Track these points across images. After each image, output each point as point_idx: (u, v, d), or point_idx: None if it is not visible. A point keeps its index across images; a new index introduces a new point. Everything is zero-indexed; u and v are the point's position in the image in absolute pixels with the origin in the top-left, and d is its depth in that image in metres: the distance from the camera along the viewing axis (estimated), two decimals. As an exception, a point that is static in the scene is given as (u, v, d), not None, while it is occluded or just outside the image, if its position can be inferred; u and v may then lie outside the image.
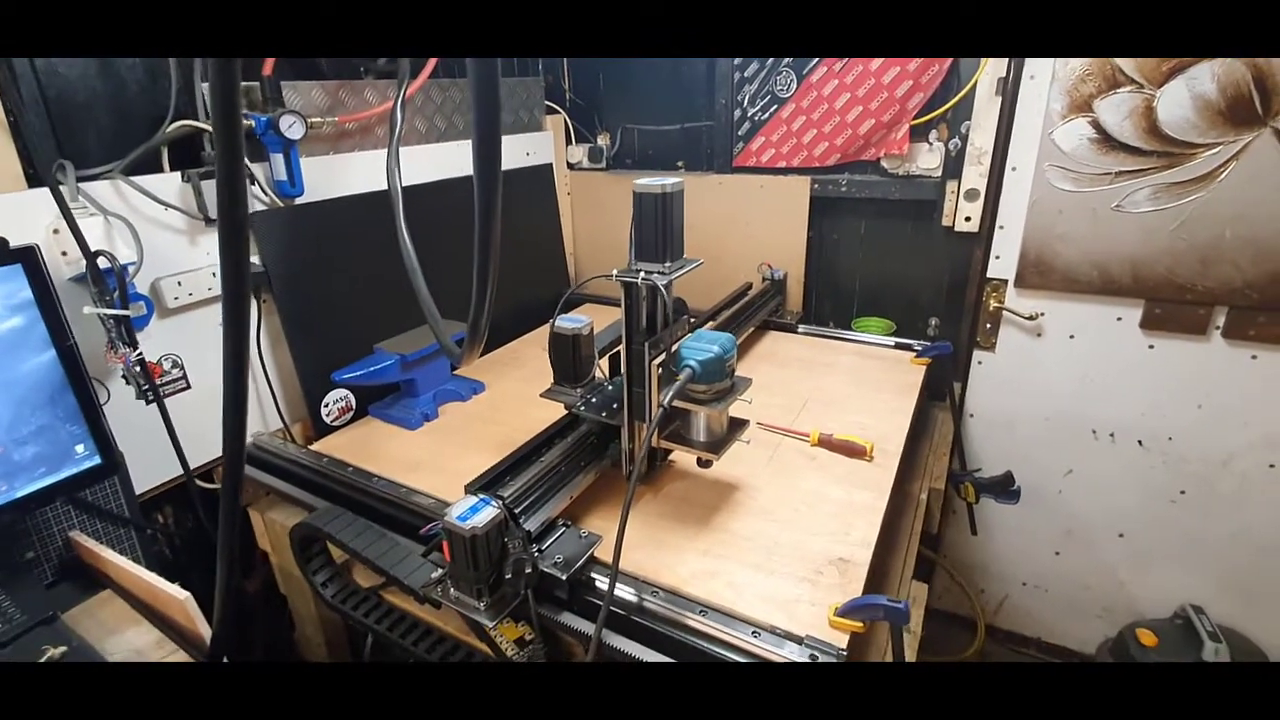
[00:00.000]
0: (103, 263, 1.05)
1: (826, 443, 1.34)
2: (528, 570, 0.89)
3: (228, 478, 0.73)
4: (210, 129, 1.32)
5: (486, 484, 1.03)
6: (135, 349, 1.09)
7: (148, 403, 1.25)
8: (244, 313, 0.62)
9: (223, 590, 0.88)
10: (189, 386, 1.38)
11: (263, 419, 1.55)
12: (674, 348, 1.05)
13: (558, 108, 2.33)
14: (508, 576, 0.89)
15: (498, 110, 0.57)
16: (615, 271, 1.04)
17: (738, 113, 2.08)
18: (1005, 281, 1.83)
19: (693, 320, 1.66)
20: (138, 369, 1.10)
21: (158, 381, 1.33)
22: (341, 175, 1.62)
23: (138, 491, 1.35)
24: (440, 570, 0.95)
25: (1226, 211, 1.54)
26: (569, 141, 2.38)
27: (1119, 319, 1.73)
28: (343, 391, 1.57)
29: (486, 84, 0.54)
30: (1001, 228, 1.79)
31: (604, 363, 1.31)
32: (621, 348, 1.12)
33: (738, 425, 1.15)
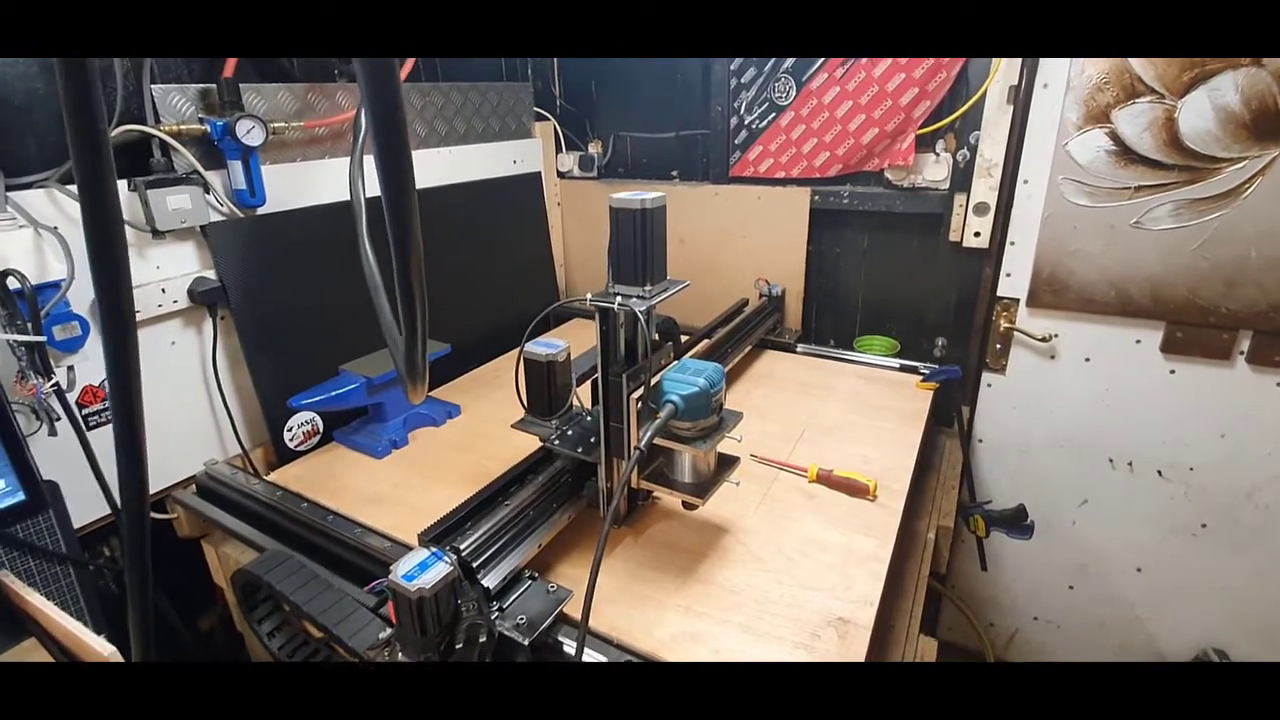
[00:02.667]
0: (12, 283, 0.95)
1: (826, 479, 1.23)
2: (482, 639, 0.78)
3: (130, 549, 0.63)
4: (159, 134, 1.23)
5: (441, 534, 0.92)
6: (49, 379, 0.98)
7: (80, 436, 1.14)
8: (128, 345, 0.52)
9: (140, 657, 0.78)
10: (135, 411, 1.27)
11: (220, 444, 1.45)
12: (655, 380, 0.94)
13: (547, 114, 2.23)
14: (459, 645, 0.78)
15: (400, 117, 0.47)
16: (590, 295, 0.94)
17: (734, 121, 1.98)
18: (1016, 301, 1.72)
19: (685, 339, 1.56)
20: (52, 401, 1.00)
21: (101, 405, 1.23)
22: (311, 183, 1.52)
23: (83, 523, 1.25)
24: (388, 631, 0.84)
25: (1251, 230, 1.44)
26: (559, 149, 2.28)
27: (1138, 341, 1.62)
28: (309, 414, 1.47)
29: (382, 87, 0.44)
30: (1013, 244, 1.69)
31: (584, 390, 1.21)
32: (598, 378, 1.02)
33: (727, 464, 1.05)
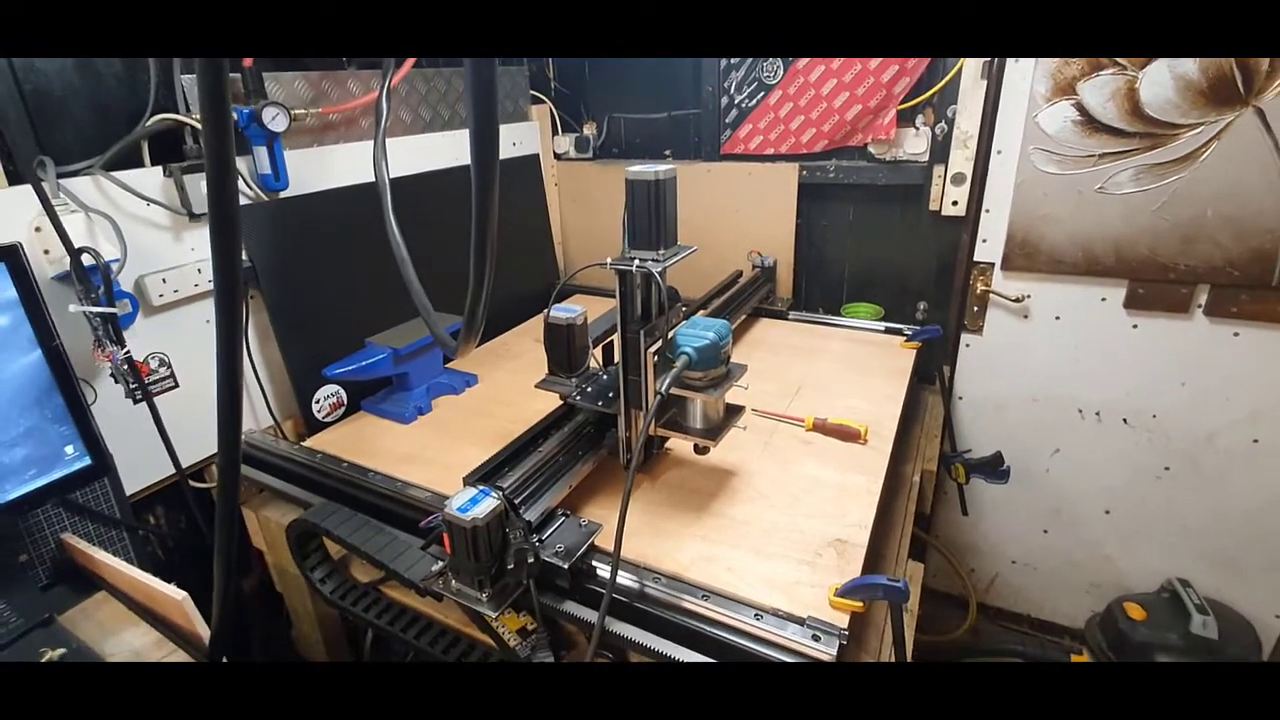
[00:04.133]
0: (87, 260, 1.04)
1: (821, 427, 1.35)
2: (530, 560, 0.89)
3: (224, 476, 0.73)
4: (191, 122, 1.30)
5: (485, 475, 1.02)
6: (123, 347, 1.07)
7: (135, 401, 1.23)
8: (237, 309, 0.62)
9: (221, 590, 0.88)
10: (177, 385, 1.36)
11: (253, 416, 1.54)
12: (669, 335, 1.05)
13: (543, 97, 2.31)
14: (510, 567, 0.89)
15: (494, 102, 0.56)
16: (609, 260, 1.04)
17: (725, 100, 2.07)
18: (992, 265, 1.84)
19: (685, 309, 1.67)
20: (126, 367, 1.08)
21: (145, 380, 1.32)
22: (327, 168, 1.60)
23: (129, 492, 1.34)
24: (440, 563, 0.95)
25: (1208, 191, 1.55)
26: (555, 131, 2.36)
27: (1103, 299, 1.75)
28: (334, 387, 1.56)
29: (484, 82, 0.53)
30: (988, 211, 1.80)
31: (597, 352, 1.31)
32: (616, 336, 1.12)
33: (734, 411, 1.16)
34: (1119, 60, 1.54)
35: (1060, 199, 1.69)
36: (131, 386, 1.11)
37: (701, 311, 1.78)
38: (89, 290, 1.04)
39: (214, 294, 0.62)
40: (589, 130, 2.34)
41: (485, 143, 0.56)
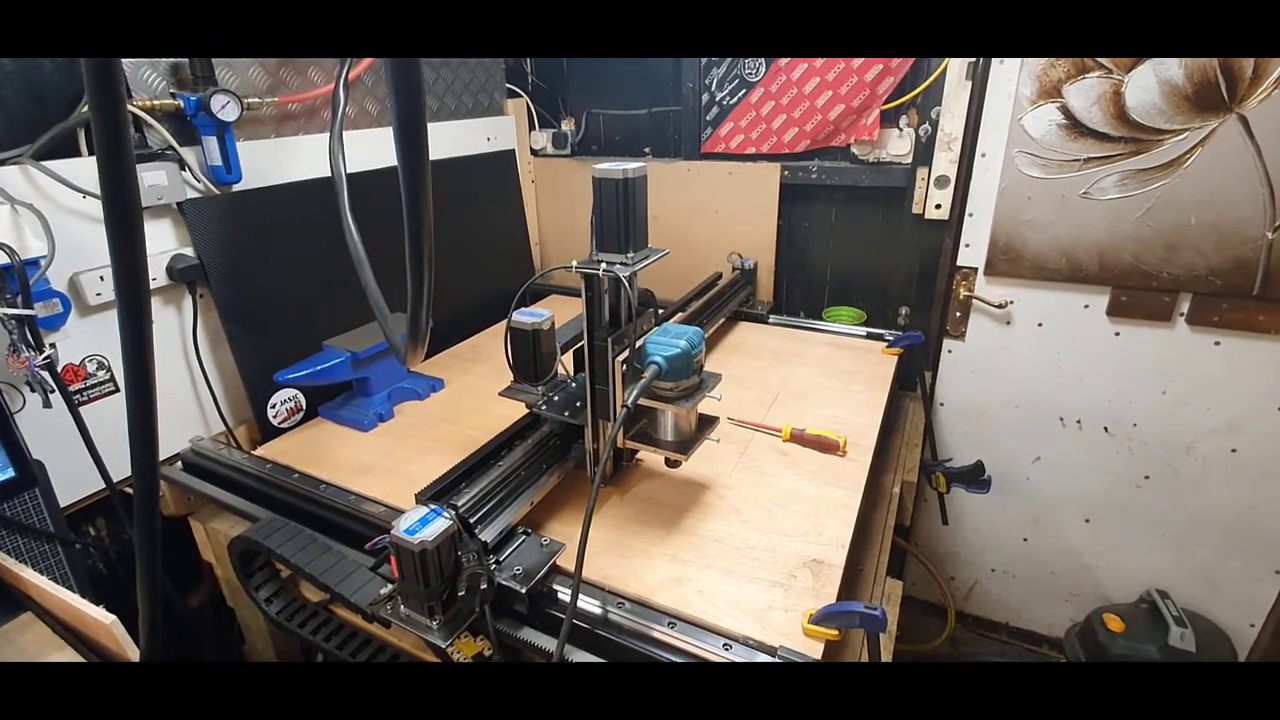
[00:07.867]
0: (1, 258, 0.95)
1: (799, 438, 1.30)
2: (483, 586, 0.83)
3: (140, 496, 0.66)
4: (133, 109, 1.22)
5: (438, 492, 0.96)
6: (41, 352, 0.99)
7: (71, 409, 1.15)
8: (143, 314, 0.55)
9: (148, 619, 0.81)
10: (118, 389, 1.28)
11: (204, 422, 1.45)
12: (639, 343, 0.99)
13: (520, 91, 2.24)
14: (461, 593, 0.83)
15: (421, 101, 0.50)
16: (575, 263, 0.98)
17: (705, 97, 2.02)
18: (975, 269, 1.81)
19: (661, 312, 1.61)
20: (44, 374, 1.00)
21: (82, 385, 1.23)
22: (286, 160, 1.52)
23: (67, 502, 1.26)
24: (389, 586, 0.89)
25: (1191, 198, 1.53)
26: (532, 127, 2.29)
27: (1086, 306, 1.72)
28: (291, 391, 1.48)
29: (408, 81, 0.48)
30: (971, 215, 1.77)
31: (568, 358, 1.25)
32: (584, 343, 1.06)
33: (707, 423, 1.10)
34: (1105, 63, 1.51)
35: (1044, 204, 1.66)
36: (50, 394, 1.03)
37: (679, 315, 1.73)
38: (3, 290, 0.96)
39: (116, 304, 0.55)
40: (567, 126, 2.28)
41: (413, 146, 0.50)
